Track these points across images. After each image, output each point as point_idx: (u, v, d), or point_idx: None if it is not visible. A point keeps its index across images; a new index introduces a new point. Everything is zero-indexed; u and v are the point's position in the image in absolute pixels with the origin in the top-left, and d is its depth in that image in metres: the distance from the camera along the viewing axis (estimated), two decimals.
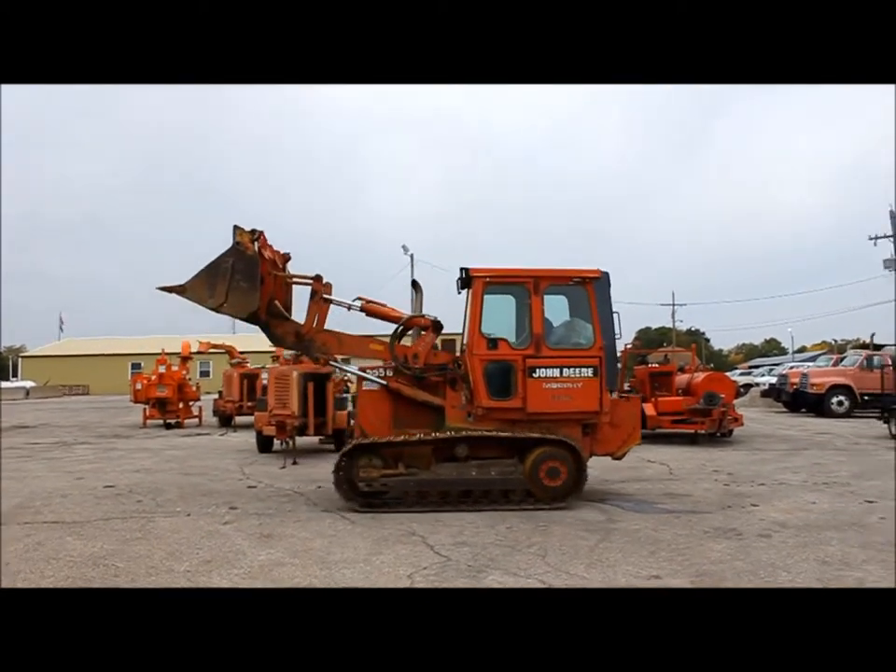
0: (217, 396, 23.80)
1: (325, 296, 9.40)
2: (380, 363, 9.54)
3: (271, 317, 9.25)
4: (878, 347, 27.84)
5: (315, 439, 15.58)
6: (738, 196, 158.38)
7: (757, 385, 36.93)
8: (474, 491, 8.70)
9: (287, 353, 14.59)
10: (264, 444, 14.73)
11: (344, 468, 8.73)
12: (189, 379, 23.61)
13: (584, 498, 9.03)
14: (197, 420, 23.14)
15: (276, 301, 9.33)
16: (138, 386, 22.33)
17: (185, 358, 23.40)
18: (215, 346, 25.09)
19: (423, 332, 9.46)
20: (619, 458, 9.69)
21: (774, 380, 32.32)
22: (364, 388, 9.40)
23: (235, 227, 8.83)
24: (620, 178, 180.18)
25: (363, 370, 9.55)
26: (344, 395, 16.16)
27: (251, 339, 43.62)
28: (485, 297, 9.10)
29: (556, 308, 9.50)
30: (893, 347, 26.21)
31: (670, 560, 6.41)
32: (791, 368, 32.85)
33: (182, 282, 8.95)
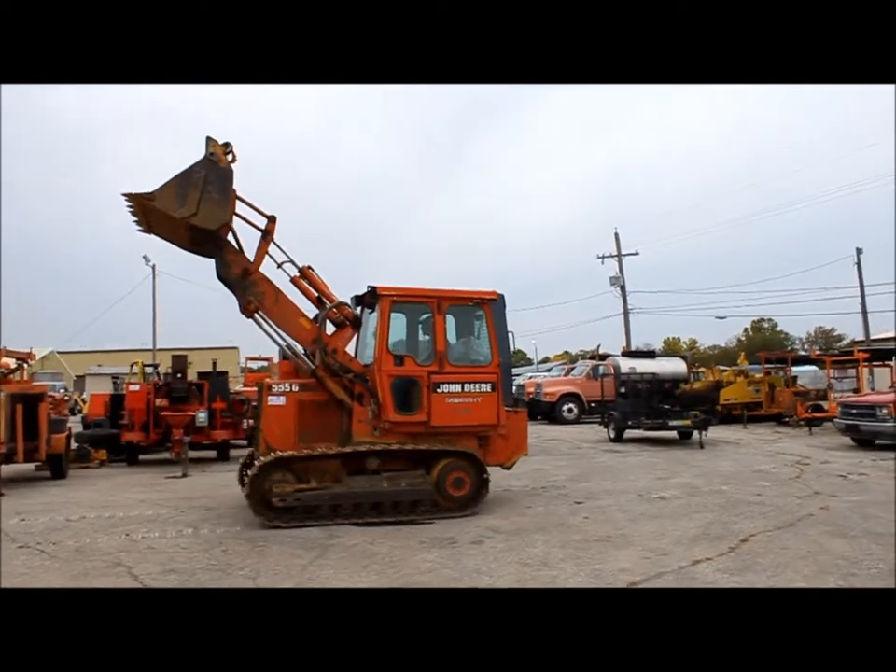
0: None
1: (274, 241, 9.15)
2: (281, 380, 9.32)
3: (228, 241, 8.94)
4: (604, 357, 30.28)
5: (27, 466, 14.14)
6: (489, 211, 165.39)
7: None
8: (384, 502, 8.84)
9: None
10: None
11: (257, 483, 8.54)
12: None
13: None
14: None
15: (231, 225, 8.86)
16: None
17: None
18: None
19: (339, 328, 9.43)
20: (508, 468, 10.18)
21: (514, 389, 34.01)
22: (269, 403, 9.10)
23: (208, 138, 8.51)
24: (377, 188, 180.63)
25: (268, 386, 9.28)
26: (65, 416, 14.93)
27: None
28: (375, 315, 9.45)
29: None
30: (616, 357, 28.55)
31: (380, 573, 6.46)
32: (530, 378, 34.78)
33: None
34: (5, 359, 13.50)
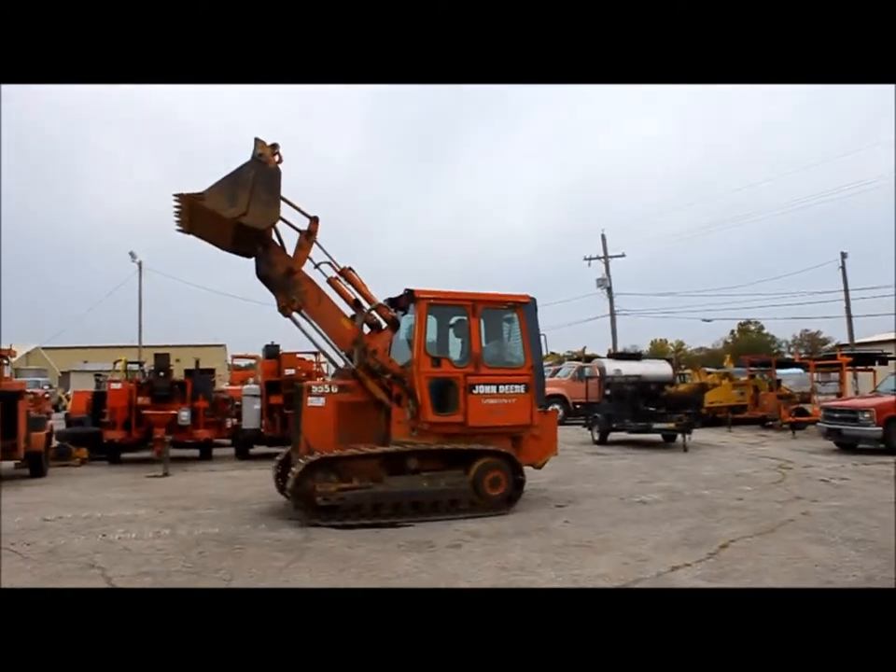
0: None
1: (316, 242, 9.22)
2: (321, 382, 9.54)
3: (273, 240, 9.07)
4: (590, 359, 30.28)
5: (6, 464, 13.99)
6: (470, 215, 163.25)
7: None
8: (424, 501, 8.93)
9: None
10: None
11: (302, 482, 8.60)
12: None
13: (285, 517, 8.97)
14: None
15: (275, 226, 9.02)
16: None
17: None
18: None
19: (374, 330, 9.47)
20: (539, 468, 10.38)
21: None
22: (309, 404, 9.13)
23: (257, 139, 8.60)
24: (348, 189, 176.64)
25: (308, 387, 9.30)
26: (46, 413, 14.80)
27: None
28: (407, 317, 9.78)
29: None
30: (602, 359, 28.56)
31: (358, 576, 6.42)
32: None
33: None
34: None
